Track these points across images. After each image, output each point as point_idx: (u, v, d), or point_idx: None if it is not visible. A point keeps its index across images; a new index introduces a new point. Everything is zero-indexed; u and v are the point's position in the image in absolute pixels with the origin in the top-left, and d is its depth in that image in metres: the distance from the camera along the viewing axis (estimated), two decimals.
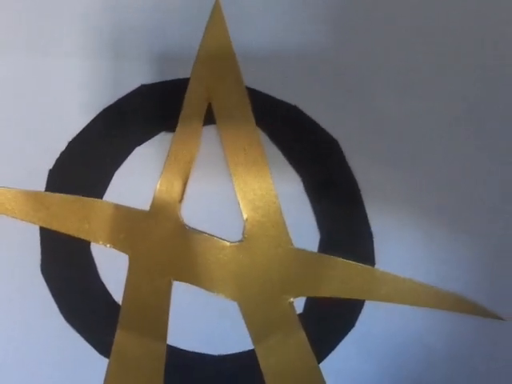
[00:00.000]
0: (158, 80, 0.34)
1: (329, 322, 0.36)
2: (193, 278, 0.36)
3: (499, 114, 0.34)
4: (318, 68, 0.34)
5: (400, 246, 0.34)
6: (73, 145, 0.35)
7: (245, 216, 0.35)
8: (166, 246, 0.36)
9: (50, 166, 0.35)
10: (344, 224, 0.35)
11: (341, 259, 0.35)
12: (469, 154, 0.34)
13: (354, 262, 0.35)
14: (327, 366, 0.36)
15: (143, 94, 0.34)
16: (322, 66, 0.34)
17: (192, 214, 0.35)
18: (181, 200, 0.35)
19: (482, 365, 0.35)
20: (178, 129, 0.34)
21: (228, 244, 0.35)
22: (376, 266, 0.35)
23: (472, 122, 0.34)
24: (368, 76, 0.34)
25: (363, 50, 0.34)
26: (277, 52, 0.33)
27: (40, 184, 0.36)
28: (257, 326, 0.36)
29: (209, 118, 0.34)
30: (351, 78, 0.34)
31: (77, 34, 0.34)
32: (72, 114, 0.35)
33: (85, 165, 0.35)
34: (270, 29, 0.34)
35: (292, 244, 0.35)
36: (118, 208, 0.35)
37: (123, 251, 0.36)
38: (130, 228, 0.36)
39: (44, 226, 0.36)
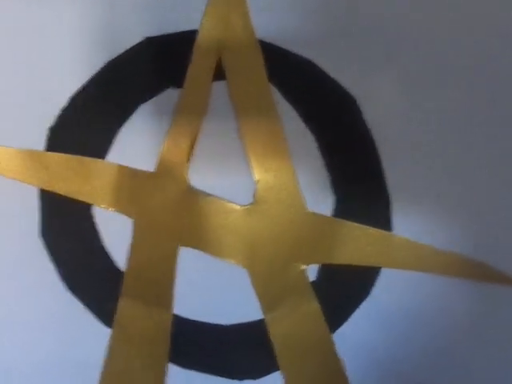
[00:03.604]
0: (164, 32, 0.32)
1: (343, 290, 0.34)
2: (200, 243, 0.34)
3: None
4: (337, 19, 0.32)
5: (418, 210, 0.33)
6: (74, 101, 0.33)
7: (256, 177, 0.33)
8: (172, 210, 0.34)
9: (51, 124, 0.34)
10: (360, 187, 0.33)
11: (356, 224, 0.33)
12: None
13: (370, 227, 0.33)
14: (340, 337, 0.34)
15: (148, 47, 0.33)
16: (342, 18, 0.32)
17: (200, 175, 0.33)
18: (188, 160, 0.33)
19: (503, 335, 0.33)
20: (185, 85, 0.33)
21: (238, 207, 0.33)
22: (393, 232, 0.33)
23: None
24: (391, 31, 0.32)
25: (387, 2, 0.32)
26: (292, 2, 0.32)
27: (39, 143, 0.34)
28: (267, 294, 0.34)
29: (219, 74, 0.33)
30: (372, 31, 0.32)
31: None
32: (73, 69, 0.33)
33: (87, 123, 0.34)
34: None
35: (305, 207, 0.33)
36: (122, 169, 0.34)
37: (127, 215, 0.34)
38: (135, 190, 0.34)
39: (43, 187, 0.34)
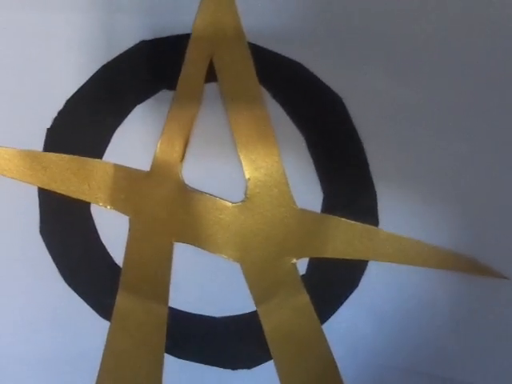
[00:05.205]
0: (158, 36, 0.33)
1: (332, 283, 0.35)
2: (194, 239, 0.35)
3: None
4: (324, 23, 0.32)
5: (404, 205, 0.34)
6: (71, 103, 0.34)
7: (247, 175, 0.34)
8: (167, 207, 0.35)
9: (48, 125, 0.35)
10: (347, 184, 0.34)
11: (344, 219, 0.34)
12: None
13: (357, 223, 0.34)
14: (330, 328, 0.36)
15: (143, 50, 0.33)
16: (329, 21, 0.33)
17: (193, 173, 0.35)
18: (182, 160, 0.34)
19: (488, 325, 0.34)
20: (178, 87, 0.34)
21: (230, 204, 0.35)
22: (380, 226, 0.34)
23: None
24: (376, 33, 0.32)
25: (373, 5, 0.32)
26: (280, 6, 0.32)
27: (38, 144, 0.35)
28: (259, 287, 0.36)
29: (210, 76, 0.34)
30: (359, 34, 0.32)
31: None
32: (70, 72, 0.34)
33: (84, 124, 0.35)
34: None
35: (295, 204, 0.34)
36: (118, 168, 0.35)
37: (124, 212, 0.35)
38: (131, 189, 0.35)
39: (42, 186, 0.35)
